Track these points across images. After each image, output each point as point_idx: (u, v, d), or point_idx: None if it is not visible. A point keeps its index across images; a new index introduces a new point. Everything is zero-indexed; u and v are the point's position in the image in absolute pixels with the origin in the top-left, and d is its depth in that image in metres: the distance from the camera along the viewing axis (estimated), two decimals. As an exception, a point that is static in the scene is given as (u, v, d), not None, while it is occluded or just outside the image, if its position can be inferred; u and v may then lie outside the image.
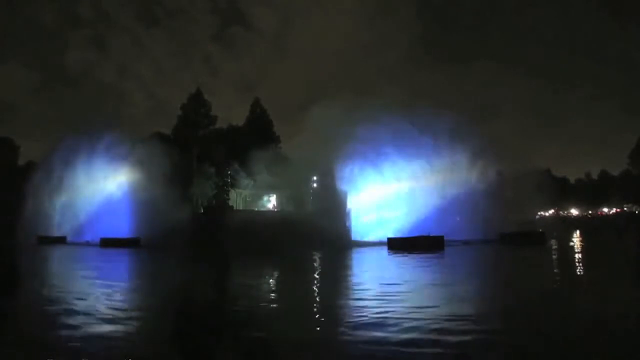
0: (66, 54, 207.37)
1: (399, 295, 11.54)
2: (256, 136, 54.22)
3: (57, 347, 7.11)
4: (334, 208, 37.29)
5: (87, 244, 39.52)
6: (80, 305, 10.51)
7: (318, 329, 8.57)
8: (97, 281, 15.36)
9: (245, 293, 13.03)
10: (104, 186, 43.49)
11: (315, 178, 42.42)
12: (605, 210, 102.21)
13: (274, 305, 11.22)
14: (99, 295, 12.15)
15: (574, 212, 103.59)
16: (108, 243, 36.85)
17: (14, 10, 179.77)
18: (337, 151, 37.66)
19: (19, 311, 10.88)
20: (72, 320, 8.84)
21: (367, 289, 12.84)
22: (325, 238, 32.07)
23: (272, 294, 13.06)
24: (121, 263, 24.69)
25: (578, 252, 24.76)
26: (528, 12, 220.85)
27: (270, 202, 52.11)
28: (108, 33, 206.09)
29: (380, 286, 13.52)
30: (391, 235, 32.95)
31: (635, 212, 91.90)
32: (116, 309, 10.14)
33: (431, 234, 30.34)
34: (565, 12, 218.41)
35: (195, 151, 52.51)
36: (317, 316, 9.70)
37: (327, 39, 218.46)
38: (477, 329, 7.85)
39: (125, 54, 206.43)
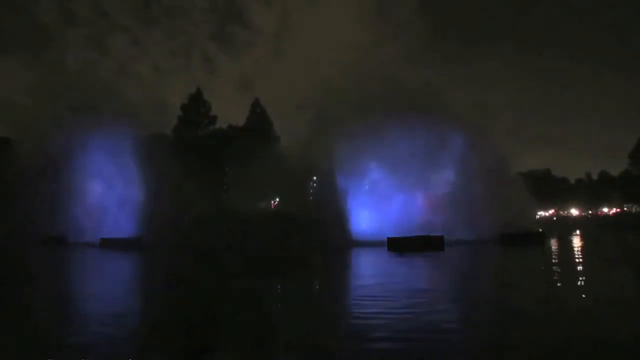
0: (64, 53, 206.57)
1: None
2: (256, 136, 54.22)
3: None
4: (334, 208, 37.26)
5: (88, 244, 39.39)
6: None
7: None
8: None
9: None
10: (104, 186, 43.41)
11: (315, 178, 42.41)
12: (605, 210, 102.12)
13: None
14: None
15: (574, 212, 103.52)
16: (107, 243, 36.74)
17: (11, 8, 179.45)
18: (338, 150, 37.62)
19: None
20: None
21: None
22: (326, 238, 32.10)
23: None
24: (119, 271, 24.55)
25: (578, 252, 24.77)
26: (529, 12, 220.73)
27: (271, 202, 52.11)
28: (106, 32, 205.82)
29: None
30: (390, 235, 32.86)
31: (632, 211, 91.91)
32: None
33: (431, 234, 30.28)
34: (567, 12, 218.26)
35: (195, 151, 52.47)
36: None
37: (327, 37, 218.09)
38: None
39: (124, 53, 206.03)
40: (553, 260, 20.83)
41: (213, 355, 7.20)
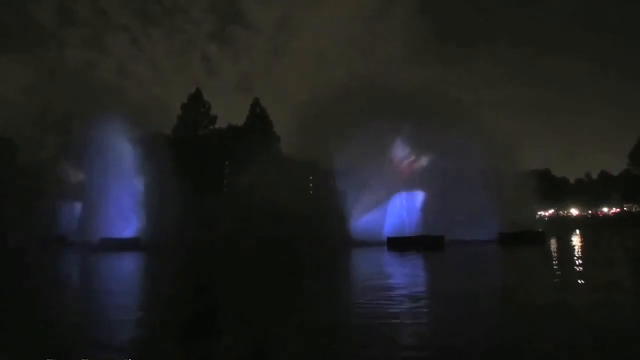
0: (64, 53, 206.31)
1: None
2: (256, 136, 54.16)
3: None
4: (333, 207, 37.21)
5: (87, 244, 39.23)
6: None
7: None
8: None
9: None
10: (104, 186, 43.31)
11: (315, 177, 42.37)
12: (605, 210, 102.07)
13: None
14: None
15: (574, 212, 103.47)
16: (107, 244, 36.61)
17: (10, 7, 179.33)
18: (338, 150, 37.55)
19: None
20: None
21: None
22: (326, 238, 32.07)
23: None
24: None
25: (578, 252, 24.75)
26: (530, 13, 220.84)
27: (272, 201, 51.98)
28: (106, 32, 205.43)
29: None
30: (390, 235, 32.83)
31: (632, 211, 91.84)
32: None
33: (431, 234, 30.23)
34: (567, 11, 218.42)
35: (195, 151, 52.44)
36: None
37: (327, 38, 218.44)
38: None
39: (124, 53, 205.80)
40: (553, 261, 20.82)
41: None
